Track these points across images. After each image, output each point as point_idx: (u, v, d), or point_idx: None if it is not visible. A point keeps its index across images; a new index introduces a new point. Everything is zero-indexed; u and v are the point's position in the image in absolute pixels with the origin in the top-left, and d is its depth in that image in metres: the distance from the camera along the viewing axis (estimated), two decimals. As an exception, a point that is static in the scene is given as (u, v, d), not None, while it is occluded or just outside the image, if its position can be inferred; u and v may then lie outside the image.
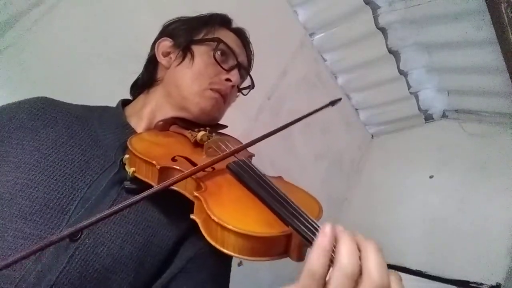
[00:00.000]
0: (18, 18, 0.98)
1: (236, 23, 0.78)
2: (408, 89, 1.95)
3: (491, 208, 1.63)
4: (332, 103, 0.62)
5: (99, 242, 0.49)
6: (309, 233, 0.38)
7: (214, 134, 0.64)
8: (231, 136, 0.71)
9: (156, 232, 0.55)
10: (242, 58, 0.73)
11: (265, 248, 0.40)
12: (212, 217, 0.40)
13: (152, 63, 0.73)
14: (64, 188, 0.51)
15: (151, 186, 0.50)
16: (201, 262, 0.56)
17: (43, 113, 0.59)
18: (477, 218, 1.65)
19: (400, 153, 2.12)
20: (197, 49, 0.69)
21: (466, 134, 1.90)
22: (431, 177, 1.93)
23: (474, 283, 1.53)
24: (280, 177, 0.62)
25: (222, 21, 0.74)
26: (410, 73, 1.90)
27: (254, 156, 0.67)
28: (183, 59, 0.68)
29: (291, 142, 1.80)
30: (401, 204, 1.94)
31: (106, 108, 0.69)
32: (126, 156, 0.55)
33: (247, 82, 0.78)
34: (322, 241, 0.34)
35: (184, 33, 0.71)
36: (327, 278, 0.34)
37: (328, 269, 0.34)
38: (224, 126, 0.74)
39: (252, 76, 0.78)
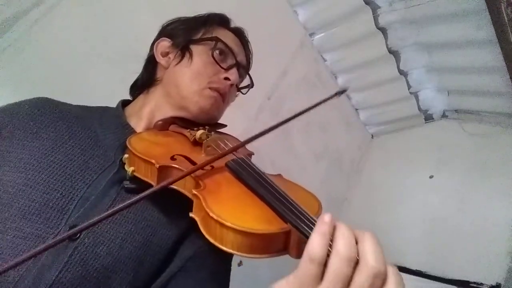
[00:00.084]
0: (18, 18, 0.98)
1: (236, 23, 0.78)
2: (408, 89, 1.96)
3: (491, 208, 1.64)
4: (339, 93, 0.62)
5: (98, 242, 0.49)
6: (308, 229, 0.38)
7: (213, 133, 0.64)
8: (230, 135, 0.71)
9: (155, 231, 0.55)
10: (241, 57, 0.74)
11: (264, 245, 0.40)
12: (211, 214, 0.40)
13: (151, 64, 0.73)
14: (64, 188, 0.51)
15: (151, 185, 0.50)
16: (200, 261, 0.56)
17: (44, 113, 0.60)
18: (477, 218, 1.65)
19: (400, 153, 2.12)
20: (196, 49, 0.69)
21: (466, 134, 1.90)
22: (431, 177, 1.93)
23: (474, 283, 1.53)
24: (279, 175, 0.62)
25: (221, 20, 0.75)
26: (410, 73, 1.90)
27: (253, 154, 0.67)
28: (182, 58, 0.68)
29: (291, 142, 1.80)
30: (401, 204, 1.94)
31: (106, 109, 0.69)
32: (126, 155, 0.55)
33: (246, 81, 0.79)
34: (321, 227, 0.35)
35: (183, 33, 0.71)
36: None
37: (327, 258, 0.34)
38: (223, 125, 0.74)
39: (252, 76, 0.79)
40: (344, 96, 2.10)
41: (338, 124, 2.08)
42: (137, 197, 0.40)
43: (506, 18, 1.29)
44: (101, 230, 0.50)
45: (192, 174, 0.48)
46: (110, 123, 0.64)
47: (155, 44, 0.72)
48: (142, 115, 0.67)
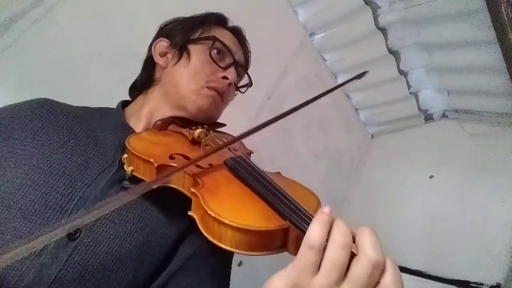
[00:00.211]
0: (18, 18, 0.98)
1: (235, 23, 0.78)
2: (408, 89, 1.96)
3: (491, 208, 1.63)
4: (359, 76, 0.62)
5: (98, 241, 0.49)
6: (306, 226, 0.38)
7: (211, 132, 0.64)
8: (229, 134, 0.71)
9: (155, 231, 0.55)
10: (239, 56, 0.74)
11: (262, 242, 0.40)
12: (209, 212, 0.40)
13: (149, 64, 0.73)
14: (63, 188, 0.51)
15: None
16: (200, 260, 0.56)
17: (44, 114, 0.60)
18: (477, 218, 1.65)
19: (400, 153, 2.12)
20: (194, 48, 0.69)
21: (466, 134, 1.90)
22: (431, 177, 1.93)
23: (474, 283, 1.53)
24: (278, 172, 0.62)
25: (218, 20, 0.75)
26: (410, 73, 1.90)
27: (252, 153, 0.67)
28: (180, 58, 0.68)
29: (291, 142, 1.80)
30: (401, 204, 1.94)
31: (106, 109, 0.70)
32: (125, 155, 0.55)
33: (245, 80, 0.79)
34: (321, 216, 0.36)
35: (180, 33, 0.71)
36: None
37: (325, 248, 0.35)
38: (222, 125, 0.74)
39: (252, 76, 0.79)
40: (344, 96, 2.10)
41: (338, 124, 2.08)
42: (136, 189, 0.40)
43: (506, 18, 1.29)
44: (101, 229, 0.50)
45: (189, 172, 0.48)
46: (110, 123, 0.64)
47: (153, 44, 0.72)
48: (141, 116, 0.67)
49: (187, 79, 0.67)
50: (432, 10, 1.53)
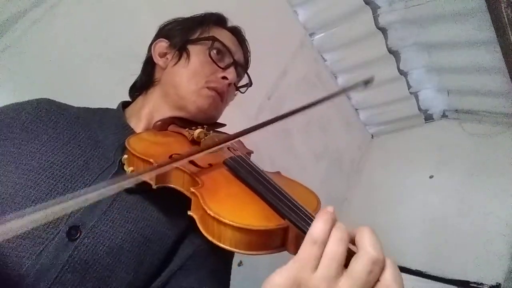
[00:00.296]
0: (18, 18, 0.98)
1: (235, 23, 0.78)
2: (408, 89, 1.96)
3: (491, 208, 1.64)
4: (365, 82, 0.62)
5: (98, 241, 0.49)
6: (306, 225, 0.38)
7: (211, 132, 0.64)
8: (229, 134, 0.71)
9: (155, 231, 0.55)
10: (238, 56, 0.74)
11: (261, 241, 0.40)
12: (208, 212, 0.40)
13: (149, 65, 0.73)
14: (64, 188, 0.51)
15: (150, 186, 0.50)
16: (201, 260, 0.56)
17: (45, 114, 0.60)
18: (477, 218, 1.65)
19: (400, 153, 2.12)
20: (193, 49, 0.69)
21: (466, 134, 1.90)
22: (431, 177, 1.93)
23: (474, 283, 1.53)
24: (278, 172, 0.62)
25: (217, 20, 0.75)
26: (410, 73, 1.90)
27: (252, 153, 0.67)
28: (179, 59, 0.68)
29: (291, 142, 1.80)
30: (401, 204, 1.94)
31: (106, 110, 0.70)
32: (125, 156, 0.55)
33: (245, 80, 0.79)
34: (324, 215, 0.37)
35: (180, 33, 0.71)
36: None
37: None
38: (222, 125, 0.74)
39: (252, 76, 0.78)
40: (344, 96, 2.10)
41: (338, 124, 2.08)
42: (131, 178, 0.39)
43: (506, 18, 1.29)
44: (101, 230, 0.50)
45: (187, 171, 0.48)
46: (110, 124, 0.64)
47: (153, 45, 0.72)
48: (141, 116, 0.67)
49: (187, 79, 0.67)
50: (432, 10, 1.53)
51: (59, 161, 0.54)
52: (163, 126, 0.66)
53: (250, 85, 0.79)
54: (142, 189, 0.52)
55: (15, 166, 0.52)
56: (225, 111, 0.76)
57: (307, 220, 0.39)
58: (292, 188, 0.48)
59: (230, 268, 0.62)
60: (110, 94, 0.75)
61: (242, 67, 0.75)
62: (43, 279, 0.45)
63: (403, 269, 1.69)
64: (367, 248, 0.34)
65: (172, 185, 0.50)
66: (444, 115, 2.04)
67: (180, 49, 0.69)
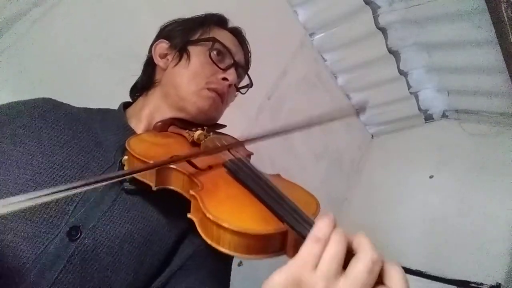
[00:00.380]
0: (18, 18, 0.98)
1: (235, 23, 0.78)
2: (408, 89, 1.96)
3: (491, 208, 1.64)
4: (358, 111, 0.62)
5: (98, 242, 0.49)
6: (305, 229, 0.38)
7: (211, 133, 0.64)
8: (229, 135, 0.71)
9: (155, 231, 0.55)
10: (239, 57, 0.73)
11: (260, 245, 0.40)
12: (208, 215, 0.40)
13: (150, 66, 0.73)
14: (64, 188, 0.51)
15: (150, 187, 0.50)
16: (201, 260, 0.57)
17: (47, 114, 0.60)
18: (477, 218, 1.65)
19: (400, 153, 2.12)
20: (193, 50, 0.69)
21: (466, 134, 1.90)
22: (431, 177, 1.93)
23: (474, 283, 1.53)
24: (278, 174, 0.62)
25: (218, 20, 0.75)
26: (410, 73, 1.90)
27: (252, 154, 0.67)
28: (180, 60, 0.68)
29: (291, 142, 1.80)
30: (401, 204, 1.94)
31: (108, 111, 0.70)
32: (125, 157, 0.55)
33: (245, 81, 0.78)
34: (327, 217, 0.38)
35: (180, 34, 0.71)
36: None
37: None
38: (223, 126, 0.74)
39: (252, 76, 0.78)
40: (344, 96, 2.10)
41: (338, 124, 2.08)
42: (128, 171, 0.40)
43: (506, 18, 1.29)
44: (101, 230, 0.50)
45: (186, 173, 0.48)
46: (111, 124, 0.64)
47: (153, 46, 0.72)
48: (141, 117, 0.67)
49: (187, 80, 0.66)
50: (432, 10, 1.53)
51: (60, 160, 0.54)
52: (164, 127, 0.66)
53: (251, 86, 0.78)
54: (142, 190, 0.52)
55: (16, 165, 0.52)
56: (225, 111, 0.76)
57: (306, 224, 0.39)
58: (292, 192, 0.48)
59: (230, 268, 0.62)
60: (110, 94, 0.75)
61: (242, 68, 0.75)
62: (44, 279, 0.45)
63: (403, 269, 1.69)
64: (366, 249, 0.35)
65: (171, 187, 0.50)
66: (444, 115, 2.04)
67: (181, 50, 0.69)
